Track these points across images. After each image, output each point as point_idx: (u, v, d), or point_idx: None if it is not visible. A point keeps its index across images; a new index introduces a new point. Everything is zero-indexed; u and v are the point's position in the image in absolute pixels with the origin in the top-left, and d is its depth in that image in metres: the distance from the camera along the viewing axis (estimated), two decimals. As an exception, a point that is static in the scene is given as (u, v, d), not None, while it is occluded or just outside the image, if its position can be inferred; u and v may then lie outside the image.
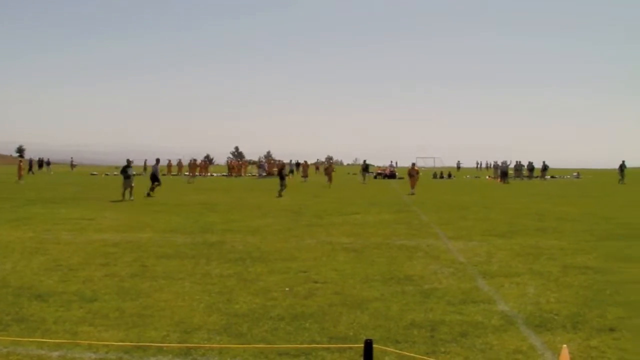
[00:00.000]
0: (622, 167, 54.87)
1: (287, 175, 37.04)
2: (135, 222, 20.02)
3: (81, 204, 27.03)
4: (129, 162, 30.96)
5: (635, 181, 44.04)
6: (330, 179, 49.74)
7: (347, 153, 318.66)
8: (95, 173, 72.54)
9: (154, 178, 33.66)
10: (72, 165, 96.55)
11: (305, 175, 60.24)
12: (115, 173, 72.76)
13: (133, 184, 30.28)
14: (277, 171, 69.05)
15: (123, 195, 30.10)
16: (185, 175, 67.70)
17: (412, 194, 36.83)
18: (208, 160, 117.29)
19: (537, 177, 67.92)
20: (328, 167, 54.72)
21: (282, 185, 34.44)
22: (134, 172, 31.65)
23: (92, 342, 7.11)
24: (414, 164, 42.38)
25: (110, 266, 12.05)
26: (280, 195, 33.08)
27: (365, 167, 58.79)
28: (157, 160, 36.16)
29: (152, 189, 33.00)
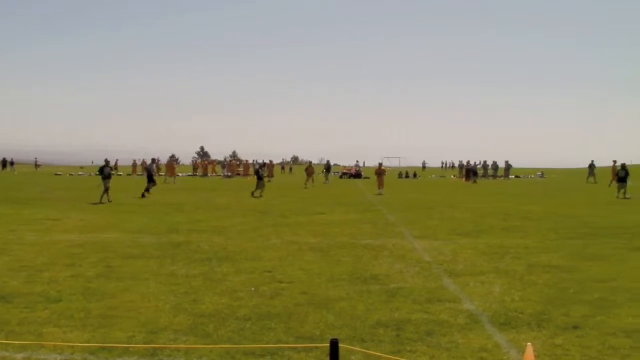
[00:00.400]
0: (592, 166, 55.65)
1: (264, 175, 36.54)
2: (101, 222, 19.82)
3: (46, 204, 26.68)
4: (107, 162, 29.77)
5: (606, 180, 44.55)
6: (312, 180, 46.85)
7: (315, 152, 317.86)
8: (59, 173, 71.37)
9: (150, 178, 33.20)
10: (37, 165, 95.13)
11: (270, 175, 59.92)
12: (81, 173, 71.99)
13: (109, 185, 28.40)
14: (243, 171, 69.22)
15: (108, 197, 28.16)
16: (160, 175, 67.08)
17: (380, 194, 36.38)
18: (174, 159, 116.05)
19: (500, 176, 68.56)
20: (308, 167, 50.54)
21: (259, 186, 33.67)
22: (113, 172, 30.56)
23: (57, 343, 7.05)
24: (380, 164, 42.40)
25: (75, 267, 11.93)
26: (253, 196, 32.71)
27: (328, 167, 58.53)
28: (153, 160, 35.63)
29: (147, 189, 32.39)
